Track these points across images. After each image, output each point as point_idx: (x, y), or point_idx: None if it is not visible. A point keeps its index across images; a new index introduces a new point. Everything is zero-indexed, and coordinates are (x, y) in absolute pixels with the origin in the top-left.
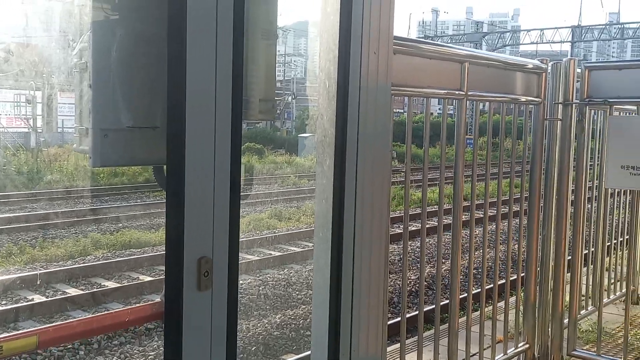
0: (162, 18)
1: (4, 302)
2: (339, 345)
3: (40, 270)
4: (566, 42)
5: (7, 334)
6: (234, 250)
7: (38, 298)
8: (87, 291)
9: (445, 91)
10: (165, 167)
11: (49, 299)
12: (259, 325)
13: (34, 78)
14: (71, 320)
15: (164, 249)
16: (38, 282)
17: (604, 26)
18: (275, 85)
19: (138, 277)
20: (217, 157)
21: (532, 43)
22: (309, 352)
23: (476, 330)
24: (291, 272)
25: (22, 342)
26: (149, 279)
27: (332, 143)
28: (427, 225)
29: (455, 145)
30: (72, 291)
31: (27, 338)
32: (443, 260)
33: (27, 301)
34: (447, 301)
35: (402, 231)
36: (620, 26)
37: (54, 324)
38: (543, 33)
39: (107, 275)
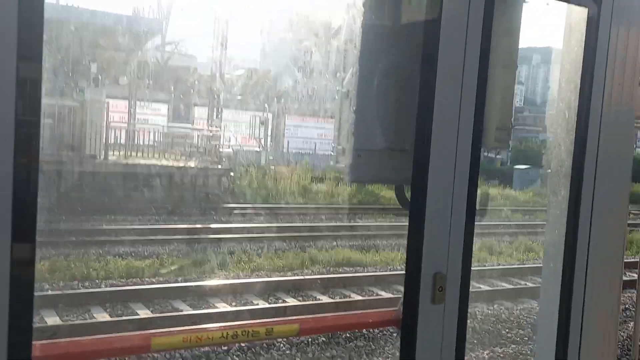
0: (415, 51)
1: (233, 303)
2: None
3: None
4: None
5: (276, 319)
6: (466, 268)
7: (262, 303)
8: (303, 302)
9: None
10: (405, 187)
11: (271, 304)
12: (466, 358)
13: (267, 102)
14: (327, 314)
15: (404, 265)
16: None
17: None
18: (511, 114)
19: (350, 295)
20: (456, 180)
21: None
22: None
23: None
24: (501, 309)
25: (287, 327)
26: (360, 297)
27: (569, 174)
28: None
29: None
30: (291, 300)
31: (291, 325)
32: None
33: (253, 305)
34: None
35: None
36: None
37: (313, 315)
38: None
39: (322, 290)
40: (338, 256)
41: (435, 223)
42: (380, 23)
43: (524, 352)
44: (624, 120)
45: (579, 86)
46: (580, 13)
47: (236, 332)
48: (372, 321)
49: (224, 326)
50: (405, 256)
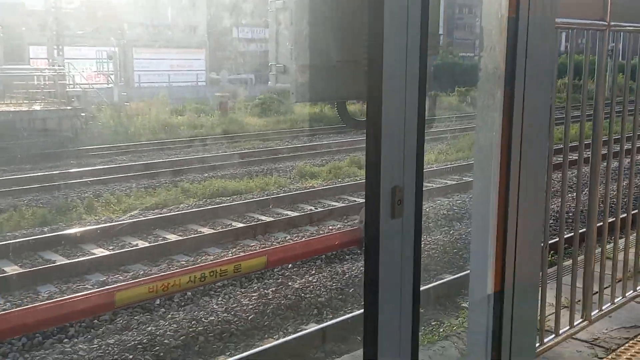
0: None
1: (111, 247)
2: (504, 269)
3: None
4: None
5: (243, 254)
6: (420, 181)
7: (142, 243)
8: (185, 237)
9: (589, 21)
10: (346, 104)
11: (151, 244)
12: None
13: (112, 34)
14: (294, 242)
15: (364, 178)
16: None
17: None
18: (438, 20)
19: (231, 224)
20: (407, 91)
21: None
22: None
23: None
24: None
25: (255, 261)
26: (242, 225)
27: (503, 76)
28: (570, 159)
29: (596, 82)
30: (172, 237)
31: (259, 257)
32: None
33: (132, 246)
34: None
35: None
36: None
37: (281, 244)
38: None
39: (202, 222)
40: (212, 187)
41: (391, 137)
42: None
43: None
44: (549, 22)
45: None
46: None
47: (204, 273)
48: (337, 243)
49: (190, 269)
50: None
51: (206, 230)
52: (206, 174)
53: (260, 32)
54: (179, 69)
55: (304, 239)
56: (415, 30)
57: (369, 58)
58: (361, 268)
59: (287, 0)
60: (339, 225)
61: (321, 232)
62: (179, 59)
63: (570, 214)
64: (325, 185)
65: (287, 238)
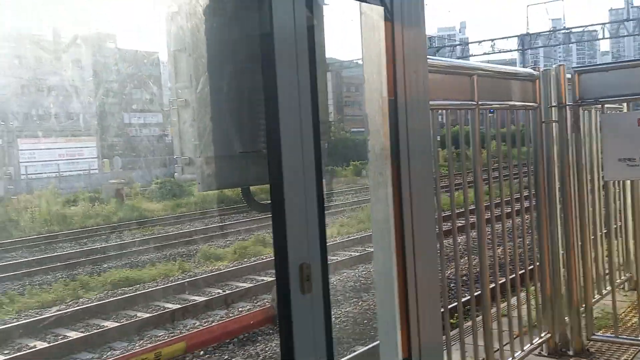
0: (257, 55)
1: (6, 352)
2: (410, 336)
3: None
4: (516, 50)
5: (160, 342)
6: (324, 257)
7: (40, 344)
8: (87, 333)
9: (460, 102)
10: (250, 189)
11: (51, 344)
12: None
13: None
14: (211, 325)
15: (273, 255)
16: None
17: (550, 32)
18: (327, 108)
19: (136, 315)
20: (305, 175)
21: (484, 54)
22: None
23: (502, 324)
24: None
25: (175, 347)
26: (148, 315)
27: (389, 155)
28: (459, 224)
29: (473, 152)
30: (73, 334)
31: (178, 344)
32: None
33: (29, 348)
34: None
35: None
36: (567, 31)
37: (199, 329)
38: (494, 43)
39: (104, 316)
40: (113, 277)
41: (294, 217)
42: (223, 30)
43: None
44: (423, 104)
45: (386, 77)
46: (377, 11)
47: None
48: (253, 322)
49: None
50: None
51: (110, 324)
52: (105, 265)
53: (152, 117)
54: (68, 157)
55: (220, 322)
56: (307, 119)
57: (268, 147)
58: (275, 348)
59: (189, 98)
60: (248, 307)
61: (231, 314)
62: (68, 147)
63: (465, 278)
64: (232, 267)
65: (195, 324)
